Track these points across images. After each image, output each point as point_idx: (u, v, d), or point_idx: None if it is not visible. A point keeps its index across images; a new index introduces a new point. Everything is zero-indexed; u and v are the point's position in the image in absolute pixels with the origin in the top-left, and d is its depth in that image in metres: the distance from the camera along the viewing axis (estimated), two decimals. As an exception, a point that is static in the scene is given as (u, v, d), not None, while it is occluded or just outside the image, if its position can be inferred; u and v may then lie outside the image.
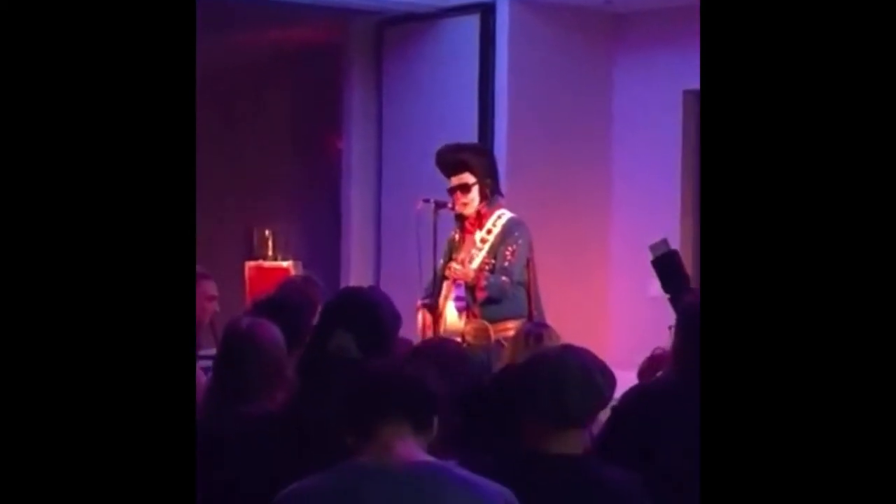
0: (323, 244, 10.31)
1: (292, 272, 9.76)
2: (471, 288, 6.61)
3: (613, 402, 3.94)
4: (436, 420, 3.07)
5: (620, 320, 8.92)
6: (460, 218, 6.79)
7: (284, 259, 10.78)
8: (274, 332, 4.11)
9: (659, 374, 4.90)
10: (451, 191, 6.73)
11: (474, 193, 6.70)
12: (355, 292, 3.81)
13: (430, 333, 6.61)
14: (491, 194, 6.76)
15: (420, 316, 6.74)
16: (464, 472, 3.00)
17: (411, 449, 2.99)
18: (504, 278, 6.59)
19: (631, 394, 4.16)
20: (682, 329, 4.15)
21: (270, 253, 11.03)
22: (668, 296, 5.23)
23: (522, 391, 3.45)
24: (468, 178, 6.69)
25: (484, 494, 2.97)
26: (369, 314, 3.49)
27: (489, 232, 6.70)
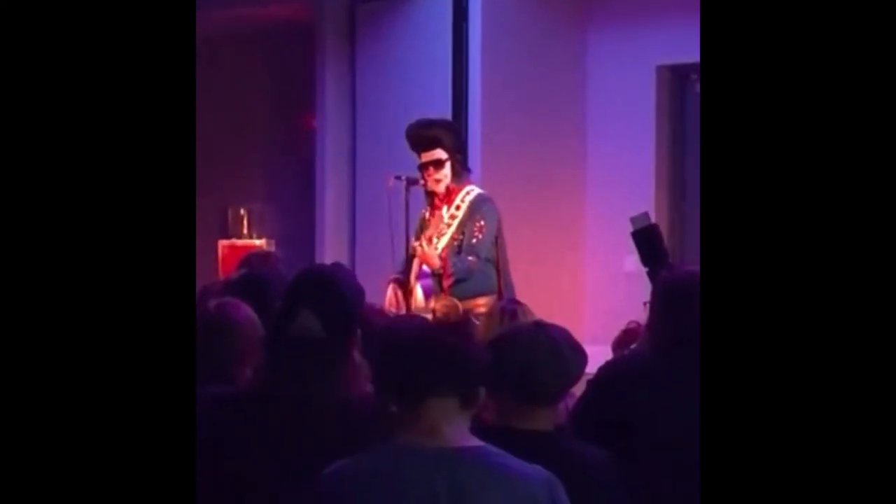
0: (297, 222, 10.29)
1: (264, 249, 9.75)
2: (438, 274, 6.61)
3: (588, 376, 3.94)
4: (482, 391, 3.02)
5: (596, 296, 8.93)
6: (430, 195, 6.78)
7: (259, 238, 10.77)
8: (245, 311, 4.09)
9: (633, 347, 4.92)
10: (423, 167, 6.71)
11: (447, 169, 6.68)
12: (316, 270, 3.79)
13: (396, 309, 6.61)
14: (461, 170, 6.75)
15: (389, 291, 6.73)
16: (510, 459, 2.96)
17: (458, 431, 2.94)
18: (471, 258, 6.58)
19: (605, 368, 4.16)
20: (657, 304, 4.15)
21: (245, 231, 11.01)
22: (646, 269, 5.23)
23: (493, 367, 3.45)
24: (440, 153, 6.67)
25: (529, 481, 2.94)
26: (332, 292, 3.47)
27: (458, 208, 6.70)
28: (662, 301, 4.12)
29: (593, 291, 8.98)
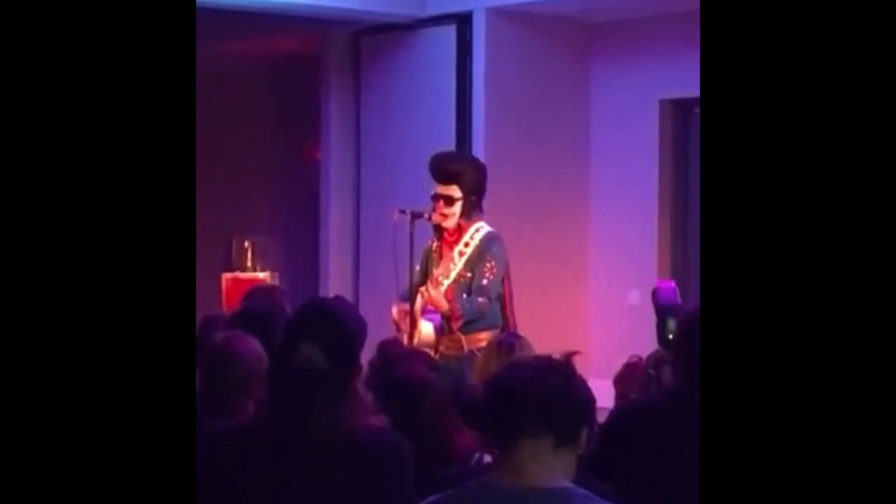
0: (301, 254, 10.29)
1: (269, 283, 9.76)
2: (447, 317, 6.60)
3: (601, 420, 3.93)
4: (584, 431, 2.99)
5: (599, 328, 8.92)
6: (438, 228, 6.77)
7: (262, 271, 10.77)
8: (252, 344, 4.09)
9: (653, 390, 4.84)
10: (436, 197, 6.69)
11: (457, 208, 6.67)
12: (317, 303, 3.80)
13: (402, 330, 6.60)
14: (472, 210, 6.73)
15: (395, 311, 6.71)
16: (594, 500, 2.94)
17: (545, 470, 2.93)
18: (481, 299, 6.58)
19: (624, 411, 4.12)
20: (681, 343, 4.10)
21: (249, 264, 11.01)
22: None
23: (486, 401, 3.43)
24: (455, 191, 6.66)
25: None
26: (334, 324, 3.47)
27: (466, 245, 6.69)
28: (685, 338, 4.07)
29: (597, 324, 8.98)
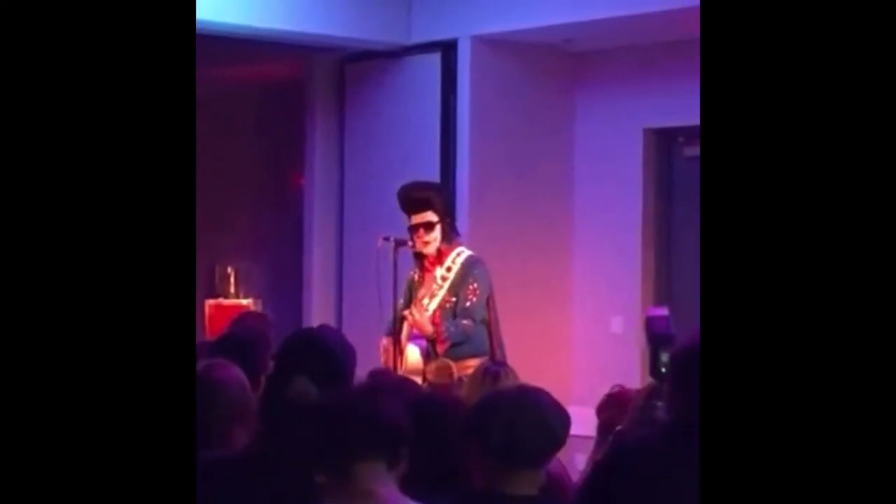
0: (285, 281, 10.28)
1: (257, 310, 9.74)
2: (431, 340, 6.60)
3: (577, 439, 3.91)
4: (405, 452, 3.03)
5: (582, 357, 8.93)
6: (419, 256, 6.79)
7: (246, 297, 10.75)
8: (234, 372, 4.07)
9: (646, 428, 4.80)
10: (413, 228, 6.72)
11: (437, 232, 6.70)
12: (305, 334, 3.80)
13: (391, 362, 6.61)
14: (451, 233, 6.77)
15: (385, 343, 6.72)
16: None
17: (391, 492, 2.95)
18: (465, 321, 6.58)
19: (621, 447, 4.09)
20: (676, 377, 4.08)
21: (232, 290, 10.98)
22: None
23: (478, 431, 3.44)
24: (431, 216, 6.69)
25: None
26: (324, 355, 3.47)
27: (449, 269, 6.70)
28: (677, 373, 4.05)
29: (580, 352, 8.98)
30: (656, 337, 4.27)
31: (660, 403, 4.32)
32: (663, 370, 4.09)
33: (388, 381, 5.20)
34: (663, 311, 4.37)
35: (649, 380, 4.50)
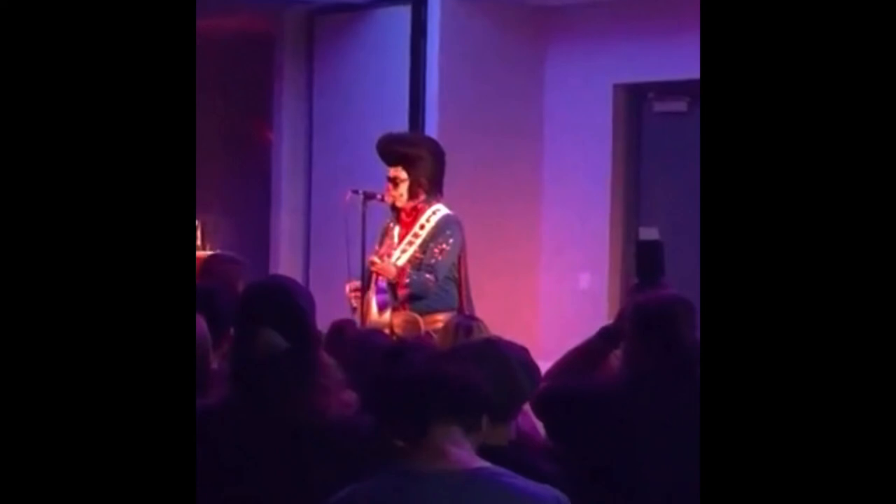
0: (252, 235, 10.25)
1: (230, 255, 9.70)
2: (393, 284, 6.59)
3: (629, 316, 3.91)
4: (485, 419, 3.01)
5: (550, 312, 8.95)
6: (395, 209, 6.75)
7: (213, 249, 10.71)
8: (199, 326, 4.05)
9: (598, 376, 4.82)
10: (387, 179, 6.69)
11: (403, 189, 6.63)
12: (262, 285, 3.79)
13: (359, 309, 6.59)
14: (427, 192, 6.68)
15: (349, 289, 6.70)
16: (519, 480, 2.93)
17: (465, 453, 2.93)
18: (428, 276, 6.56)
19: (574, 393, 4.09)
20: (630, 327, 4.08)
21: (199, 243, 10.94)
22: (636, 282, 5.16)
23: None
24: (400, 171, 6.63)
25: (538, 500, 2.91)
26: (284, 302, 3.47)
27: (422, 227, 6.66)
28: (634, 325, 4.06)
29: (548, 308, 9.00)
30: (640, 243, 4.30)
31: (615, 353, 4.34)
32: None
33: (354, 332, 5.20)
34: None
35: None
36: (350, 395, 3.55)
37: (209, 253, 10.40)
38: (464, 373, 3.00)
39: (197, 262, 9.51)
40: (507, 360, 3.51)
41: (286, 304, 3.48)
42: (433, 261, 6.59)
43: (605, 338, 4.45)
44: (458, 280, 6.71)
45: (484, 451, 3.31)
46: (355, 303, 6.66)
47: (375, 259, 6.60)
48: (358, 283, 6.67)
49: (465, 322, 5.28)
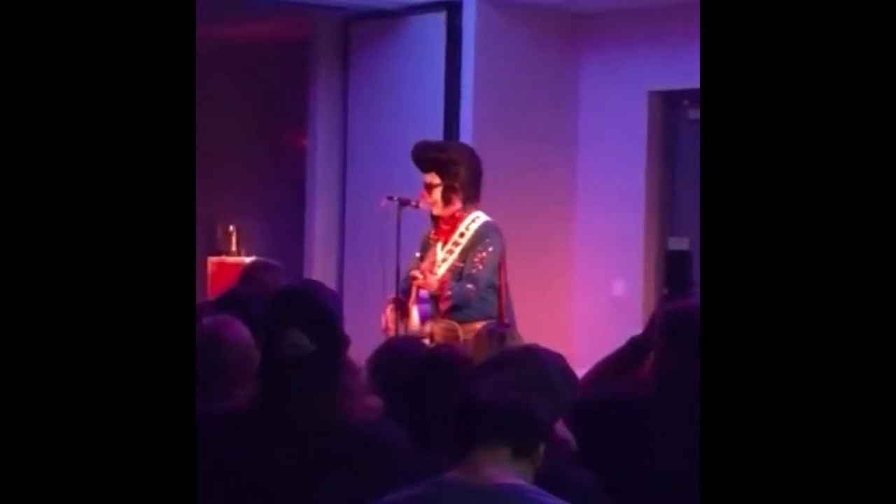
0: (286, 240, 10.29)
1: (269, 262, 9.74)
2: (435, 297, 6.59)
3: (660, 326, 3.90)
4: (542, 446, 3.03)
5: (584, 320, 8.93)
6: (435, 218, 6.75)
7: (248, 255, 10.76)
8: (237, 328, 4.08)
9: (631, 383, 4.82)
10: (423, 187, 6.70)
11: (437, 195, 6.62)
12: (290, 289, 3.82)
13: (392, 329, 6.60)
14: (463, 200, 6.67)
15: (388, 310, 6.71)
16: (548, 498, 2.95)
17: (499, 470, 2.96)
18: (469, 286, 6.55)
19: (610, 400, 4.10)
20: (659, 336, 4.09)
21: (234, 248, 11.00)
22: (665, 291, 5.17)
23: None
24: (434, 178, 6.63)
25: None
26: (311, 305, 3.49)
27: (462, 235, 6.64)
28: (664, 334, 4.07)
29: (582, 315, 8.99)
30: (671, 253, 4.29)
31: (648, 360, 4.34)
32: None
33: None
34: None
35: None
36: (374, 400, 3.57)
37: (247, 259, 10.49)
38: (525, 402, 3.02)
39: (235, 269, 9.58)
40: (546, 366, 3.51)
41: (313, 306, 3.50)
42: (473, 270, 6.57)
43: (635, 347, 4.46)
44: (498, 288, 6.69)
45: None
46: (391, 323, 6.66)
47: (417, 274, 6.59)
48: (398, 297, 6.68)
49: (498, 329, 5.29)
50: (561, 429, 4.04)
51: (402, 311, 6.65)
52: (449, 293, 6.51)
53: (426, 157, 6.69)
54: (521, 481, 2.97)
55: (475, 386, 3.06)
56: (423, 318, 6.62)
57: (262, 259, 7.56)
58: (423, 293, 6.65)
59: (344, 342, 3.55)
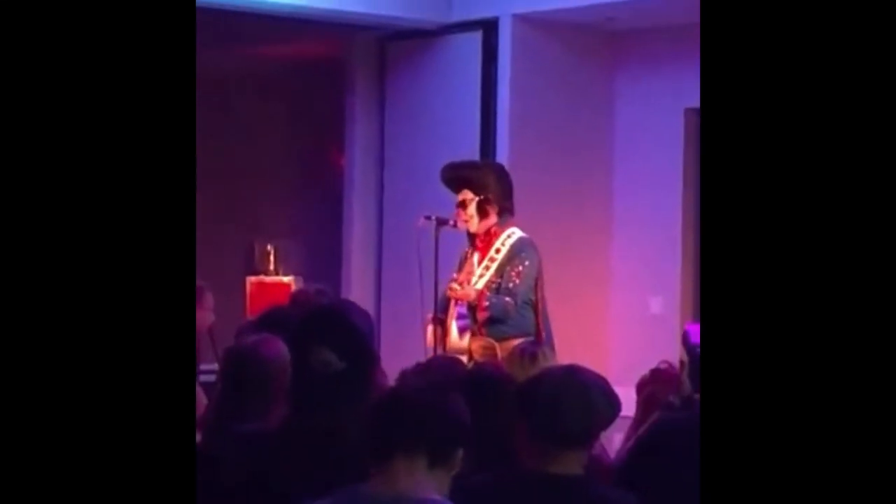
0: (324, 260, 10.30)
1: (293, 287, 9.76)
2: (473, 308, 6.61)
3: (640, 433, 3.89)
4: (459, 452, 3.02)
5: (621, 337, 8.91)
6: (471, 235, 6.80)
7: (286, 274, 10.78)
8: (279, 347, 4.11)
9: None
10: (456, 206, 6.76)
11: (472, 210, 6.69)
12: (322, 307, 3.85)
13: (439, 348, 6.62)
14: (498, 213, 6.73)
15: (430, 329, 6.73)
16: None
17: (417, 483, 2.96)
18: (507, 299, 6.58)
19: (667, 425, 4.10)
20: (645, 449, 4.10)
21: (272, 268, 11.02)
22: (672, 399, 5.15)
23: (523, 411, 3.45)
24: (467, 194, 6.71)
25: None
26: (340, 323, 3.51)
27: (497, 251, 6.70)
28: (645, 445, 4.08)
29: (618, 333, 8.97)
30: (693, 346, 4.29)
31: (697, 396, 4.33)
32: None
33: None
34: (699, 326, 4.37)
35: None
36: None
37: (286, 279, 10.51)
38: (441, 403, 3.02)
39: (274, 288, 9.61)
40: (588, 387, 3.52)
41: (343, 324, 3.53)
42: (511, 284, 6.61)
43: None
44: (535, 304, 6.71)
45: (555, 480, 3.32)
46: (429, 342, 6.68)
47: (455, 286, 6.63)
48: (439, 316, 6.70)
49: (530, 349, 5.30)
50: (596, 445, 4.04)
51: (443, 329, 6.67)
52: (486, 304, 6.53)
53: (456, 175, 6.77)
54: (438, 497, 2.97)
55: (397, 389, 3.07)
56: (462, 331, 6.64)
57: (313, 284, 7.63)
58: (461, 308, 6.67)
59: (374, 360, 3.57)
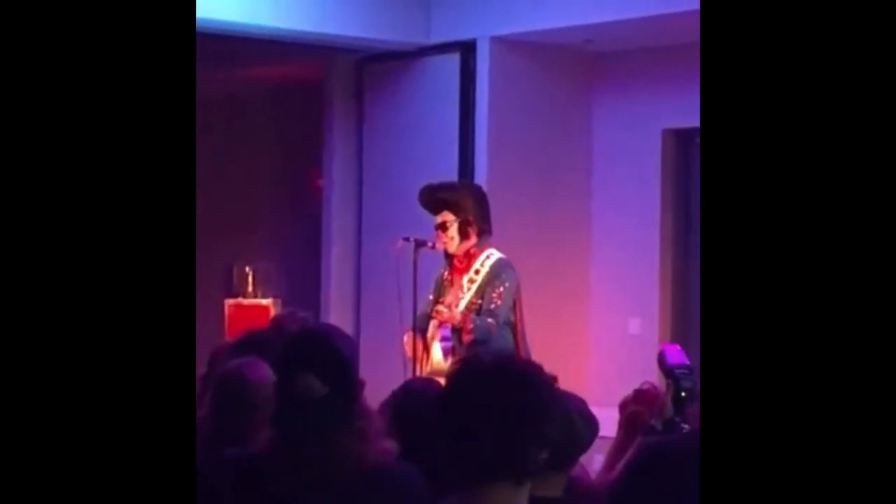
0: (303, 281, 10.30)
1: (272, 310, 9.75)
2: (457, 330, 6.62)
3: (627, 459, 3.89)
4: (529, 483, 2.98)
5: (600, 358, 8.93)
6: (448, 256, 6.80)
7: (264, 297, 10.77)
8: (264, 370, 4.09)
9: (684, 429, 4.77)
10: (435, 227, 6.77)
11: (453, 231, 6.71)
12: (305, 332, 3.84)
13: (415, 355, 6.62)
14: (478, 234, 6.75)
15: (407, 338, 6.73)
16: None
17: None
18: (490, 320, 6.61)
19: (656, 449, 4.09)
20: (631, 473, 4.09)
21: (250, 290, 11.01)
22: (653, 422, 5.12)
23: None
24: (447, 216, 6.72)
25: None
26: (324, 348, 3.50)
27: (477, 272, 6.72)
28: (630, 467, 4.06)
29: (598, 353, 8.98)
30: (673, 367, 4.27)
31: (693, 409, 4.31)
32: (683, 395, 4.08)
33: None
34: (675, 346, 4.35)
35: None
36: (390, 444, 3.56)
37: (264, 301, 10.49)
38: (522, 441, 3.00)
39: (252, 310, 9.57)
40: (568, 410, 3.51)
41: (326, 349, 3.51)
42: (492, 305, 6.64)
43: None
44: (514, 324, 6.74)
45: (541, 501, 3.31)
46: (409, 352, 6.70)
47: (442, 308, 6.64)
48: (412, 334, 6.71)
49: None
50: (577, 467, 4.04)
51: (423, 341, 6.68)
52: (471, 325, 6.56)
53: (435, 198, 6.79)
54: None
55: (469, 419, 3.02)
56: (446, 354, 6.65)
57: (295, 310, 7.62)
58: (445, 331, 6.68)
59: (357, 386, 3.56)
